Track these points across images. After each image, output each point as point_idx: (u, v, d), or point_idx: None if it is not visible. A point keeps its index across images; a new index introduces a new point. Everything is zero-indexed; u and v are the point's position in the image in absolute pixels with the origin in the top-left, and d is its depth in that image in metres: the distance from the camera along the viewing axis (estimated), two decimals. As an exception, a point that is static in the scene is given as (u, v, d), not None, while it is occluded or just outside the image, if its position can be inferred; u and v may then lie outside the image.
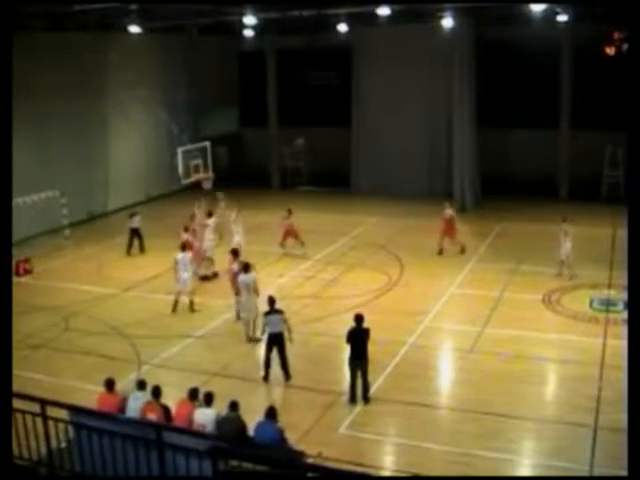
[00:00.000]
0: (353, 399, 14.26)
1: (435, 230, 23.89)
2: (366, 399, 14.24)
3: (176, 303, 19.49)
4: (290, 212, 24.73)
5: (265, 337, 15.58)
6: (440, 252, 23.80)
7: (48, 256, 24.84)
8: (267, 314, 15.38)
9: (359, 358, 14.18)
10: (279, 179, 36.86)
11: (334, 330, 18.00)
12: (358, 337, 14.20)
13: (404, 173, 33.45)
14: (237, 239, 22.87)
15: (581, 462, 11.95)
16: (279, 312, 15.36)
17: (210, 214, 23.17)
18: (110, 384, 11.68)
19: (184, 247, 20.25)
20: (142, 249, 25.52)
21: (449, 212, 23.90)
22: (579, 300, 19.42)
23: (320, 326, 18.33)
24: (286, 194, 34.01)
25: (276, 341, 15.17)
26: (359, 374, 14.21)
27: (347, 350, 14.39)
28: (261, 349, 16.04)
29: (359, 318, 14.31)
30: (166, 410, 11.19)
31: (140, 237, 25.55)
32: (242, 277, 17.45)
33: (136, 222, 25.63)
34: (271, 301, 15.46)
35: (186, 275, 19.46)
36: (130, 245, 25.40)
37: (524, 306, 19.28)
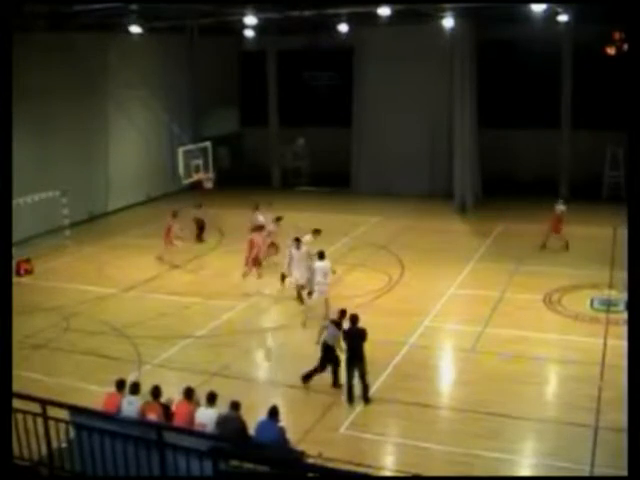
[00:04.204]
0: (350, 399, 14.26)
1: (443, 230, 23.86)
2: (366, 400, 14.24)
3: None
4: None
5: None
6: (543, 246, 23.82)
7: (49, 256, 24.85)
8: (345, 329, 14.57)
9: (355, 358, 14.17)
10: (280, 179, 36.87)
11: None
12: (354, 337, 14.20)
13: (405, 173, 33.47)
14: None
15: (581, 462, 11.94)
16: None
17: (317, 231, 20.95)
18: (121, 384, 11.67)
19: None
20: (202, 239, 26.46)
21: (561, 208, 23.92)
22: (580, 300, 19.41)
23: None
24: (287, 194, 34.02)
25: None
26: (356, 375, 14.22)
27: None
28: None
29: (354, 318, 14.33)
30: (166, 409, 11.19)
31: (202, 227, 26.49)
32: (318, 264, 18.18)
33: (200, 212, 26.51)
34: (342, 313, 14.86)
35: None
36: (200, 234, 26.46)
37: (525, 306, 19.28)
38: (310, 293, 18.97)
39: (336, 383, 14.75)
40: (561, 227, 23.88)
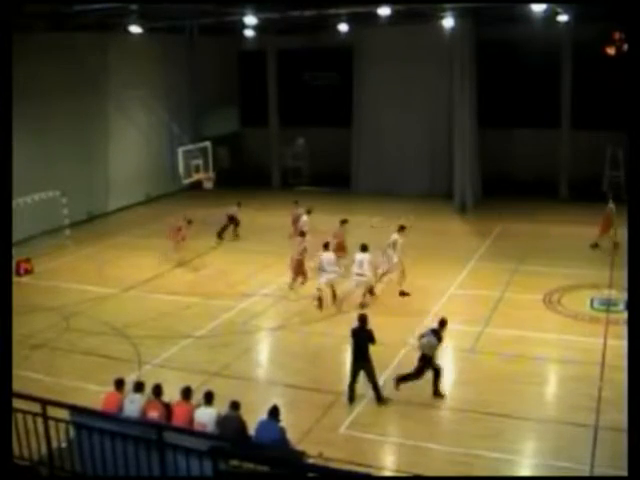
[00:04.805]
0: (352, 399, 14.24)
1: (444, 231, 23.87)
2: (379, 399, 14.15)
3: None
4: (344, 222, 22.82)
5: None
6: (595, 245, 23.76)
7: (49, 256, 24.85)
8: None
9: (361, 360, 14.14)
10: (280, 179, 36.89)
11: (335, 330, 18.03)
12: (360, 337, 14.16)
13: (405, 173, 33.50)
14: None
15: (581, 462, 11.93)
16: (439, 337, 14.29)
17: (402, 227, 20.69)
18: (120, 384, 11.69)
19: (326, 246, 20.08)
20: (237, 236, 26.75)
21: (611, 206, 23.87)
22: (580, 300, 19.41)
23: (321, 326, 18.36)
24: (286, 194, 33.98)
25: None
26: (362, 375, 14.17)
27: (348, 349, 14.40)
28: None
29: (362, 318, 14.28)
30: (167, 408, 11.20)
31: (237, 224, 26.69)
32: (358, 255, 19.10)
33: (234, 210, 26.69)
34: (442, 323, 14.47)
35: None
36: (224, 229, 26.60)
37: (525, 306, 19.28)
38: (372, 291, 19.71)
39: (437, 392, 14.29)
40: (609, 227, 23.76)
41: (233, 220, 26.80)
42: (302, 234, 21.68)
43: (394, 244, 20.03)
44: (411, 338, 14.76)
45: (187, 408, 11.14)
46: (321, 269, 19.56)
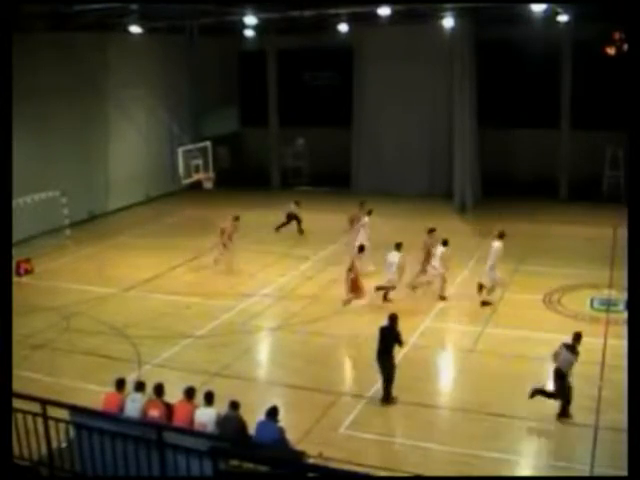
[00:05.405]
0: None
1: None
2: (385, 399, 14.16)
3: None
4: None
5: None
6: None
7: (49, 256, 24.86)
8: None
9: (379, 356, 14.17)
10: (279, 179, 36.86)
11: (334, 330, 18.07)
12: (384, 335, 14.22)
13: (404, 173, 33.51)
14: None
15: (581, 462, 11.99)
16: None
17: (445, 243, 20.22)
18: (121, 384, 11.71)
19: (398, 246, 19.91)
20: (301, 231, 27.04)
21: None
22: (579, 300, 19.43)
23: (320, 326, 18.36)
24: (286, 194, 33.99)
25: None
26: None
27: (348, 349, 14.41)
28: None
29: (392, 318, 14.34)
30: (168, 407, 11.22)
31: (299, 221, 27.11)
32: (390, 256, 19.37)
33: (293, 207, 27.21)
34: (577, 337, 13.92)
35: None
36: (282, 225, 27.11)
37: (525, 306, 19.33)
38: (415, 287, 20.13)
39: (564, 413, 13.57)
40: None
41: (293, 218, 27.15)
42: (361, 249, 20.58)
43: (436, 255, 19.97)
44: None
45: (189, 408, 11.15)
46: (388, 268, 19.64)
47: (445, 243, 20.09)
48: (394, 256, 19.41)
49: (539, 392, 13.80)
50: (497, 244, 19.69)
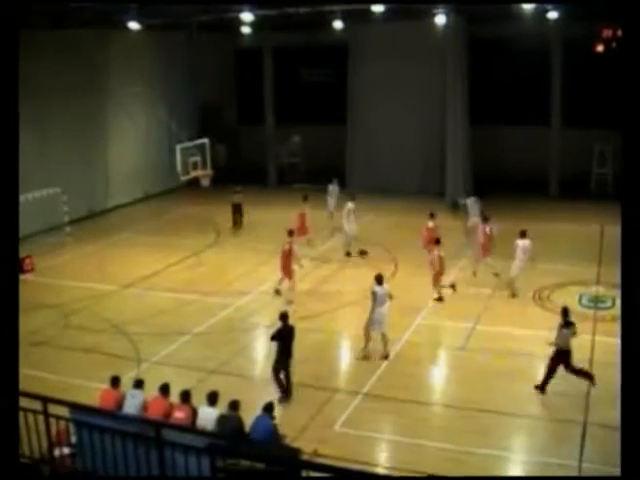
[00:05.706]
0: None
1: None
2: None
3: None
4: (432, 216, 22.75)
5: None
6: None
7: (49, 253, 25.04)
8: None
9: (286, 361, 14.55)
10: (275, 176, 36.94)
11: (330, 327, 18.33)
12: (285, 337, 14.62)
13: (398, 171, 33.58)
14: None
15: (570, 458, 12.20)
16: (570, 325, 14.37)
17: (523, 234, 20.20)
18: (115, 381, 11.98)
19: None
20: (240, 224, 28.15)
21: None
22: (568, 297, 19.55)
23: (316, 323, 18.57)
24: (282, 191, 34.24)
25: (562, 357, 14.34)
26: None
27: (343, 345, 14.60)
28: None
29: (283, 317, 14.72)
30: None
31: (241, 213, 28.14)
32: (378, 289, 16.34)
33: (237, 198, 28.16)
34: (564, 312, 14.59)
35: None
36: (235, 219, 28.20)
37: (515, 303, 19.60)
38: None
39: (542, 387, 14.56)
40: None
41: (237, 208, 28.04)
42: (437, 241, 20.39)
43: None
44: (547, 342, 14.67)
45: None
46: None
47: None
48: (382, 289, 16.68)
49: (577, 372, 14.29)
50: (526, 242, 19.89)
